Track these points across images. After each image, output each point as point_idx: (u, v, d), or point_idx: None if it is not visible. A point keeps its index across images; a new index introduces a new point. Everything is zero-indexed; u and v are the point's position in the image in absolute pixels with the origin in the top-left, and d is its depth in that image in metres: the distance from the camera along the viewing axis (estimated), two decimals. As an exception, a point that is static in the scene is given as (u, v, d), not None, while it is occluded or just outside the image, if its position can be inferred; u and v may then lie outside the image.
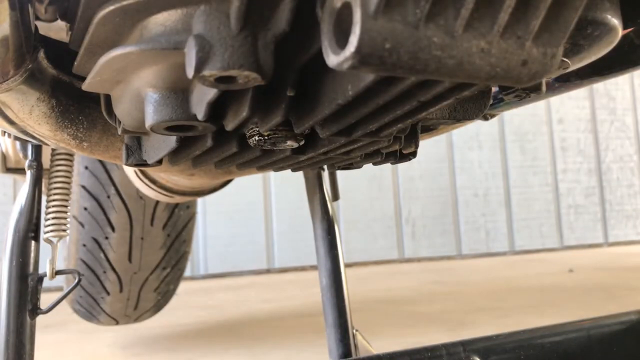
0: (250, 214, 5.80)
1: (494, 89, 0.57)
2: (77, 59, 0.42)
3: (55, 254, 0.93)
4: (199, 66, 0.31)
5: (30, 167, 0.95)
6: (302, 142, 0.49)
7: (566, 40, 0.31)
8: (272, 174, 5.41)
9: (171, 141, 0.48)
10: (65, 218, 0.97)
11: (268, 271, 5.67)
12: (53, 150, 1.02)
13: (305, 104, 0.41)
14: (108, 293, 1.90)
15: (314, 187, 1.17)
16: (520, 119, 7.05)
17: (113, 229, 1.77)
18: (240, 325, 2.52)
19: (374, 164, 0.65)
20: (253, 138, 0.46)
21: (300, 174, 1.21)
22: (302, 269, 5.29)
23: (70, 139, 0.59)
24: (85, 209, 1.75)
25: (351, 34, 0.26)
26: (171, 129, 0.43)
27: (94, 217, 1.75)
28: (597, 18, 0.40)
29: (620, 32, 0.43)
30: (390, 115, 0.41)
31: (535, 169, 7.13)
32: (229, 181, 1.22)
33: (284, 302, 3.12)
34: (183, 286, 2.95)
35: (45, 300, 0.88)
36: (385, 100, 0.38)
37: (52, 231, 0.95)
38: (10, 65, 0.46)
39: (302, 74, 0.40)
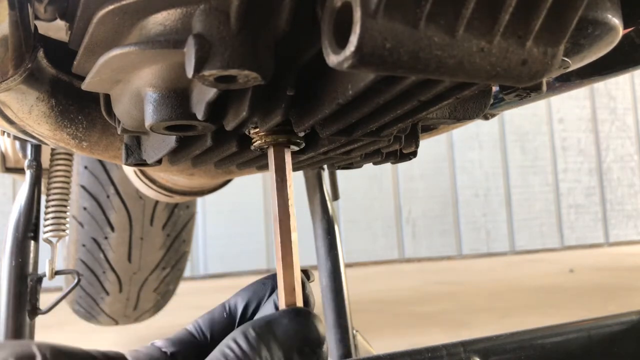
0: (250, 214, 5.80)
1: (495, 89, 0.57)
2: (77, 59, 0.42)
3: (55, 254, 0.93)
4: (199, 65, 0.31)
5: (29, 166, 0.95)
6: (302, 146, 0.49)
7: (567, 39, 0.31)
8: (272, 174, 5.40)
9: (171, 141, 0.48)
10: (64, 218, 0.97)
11: (268, 271, 5.67)
12: (52, 150, 1.02)
13: (305, 104, 0.41)
14: (107, 293, 1.90)
15: (314, 187, 1.17)
16: (520, 118, 7.06)
17: (112, 229, 1.77)
18: (240, 325, 2.51)
19: (374, 163, 0.65)
20: (255, 144, 0.46)
21: (300, 174, 1.21)
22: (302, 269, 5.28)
23: (70, 139, 0.59)
24: (85, 208, 1.75)
25: (351, 33, 0.26)
26: (171, 128, 0.43)
27: (93, 217, 1.75)
28: (597, 18, 0.40)
29: (621, 32, 0.43)
30: (391, 115, 0.41)
31: (535, 168, 7.14)
32: (228, 181, 1.22)
33: (284, 302, 3.11)
34: (182, 286, 2.95)
35: (44, 300, 0.88)
36: (385, 100, 0.37)
37: (51, 231, 0.95)
38: (9, 65, 0.45)
39: (302, 74, 0.39)
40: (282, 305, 0.42)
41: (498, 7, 0.29)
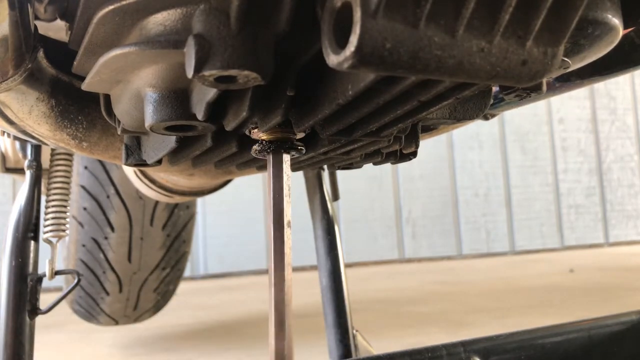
0: (250, 214, 5.79)
1: (494, 89, 0.57)
2: (77, 59, 0.42)
3: (55, 254, 0.93)
4: (199, 66, 0.31)
5: (29, 167, 0.95)
6: (303, 153, 0.49)
7: (567, 39, 0.31)
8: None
9: (171, 141, 0.48)
10: (64, 218, 0.97)
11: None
12: (52, 150, 1.02)
13: (305, 104, 0.41)
14: (107, 293, 1.90)
15: (314, 187, 1.17)
16: (520, 118, 7.05)
17: (112, 229, 1.77)
18: (240, 325, 2.52)
19: (374, 163, 0.65)
20: (255, 150, 0.46)
21: (300, 174, 1.21)
22: (302, 269, 5.29)
23: (70, 139, 0.59)
24: (85, 209, 1.75)
25: (351, 33, 0.26)
26: (171, 128, 0.43)
27: (93, 217, 1.75)
28: (597, 18, 0.40)
29: (621, 32, 0.43)
30: (391, 115, 0.41)
31: (535, 168, 7.13)
32: (228, 181, 1.22)
33: (284, 302, 3.10)
34: (182, 286, 2.95)
35: (44, 300, 0.88)
36: (385, 100, 0.37)
37: (51, 231, 0.95)
38: (9, 65, 0.45)
39: (302, 74, 0.39)
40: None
41: (498, 7, 0.29)
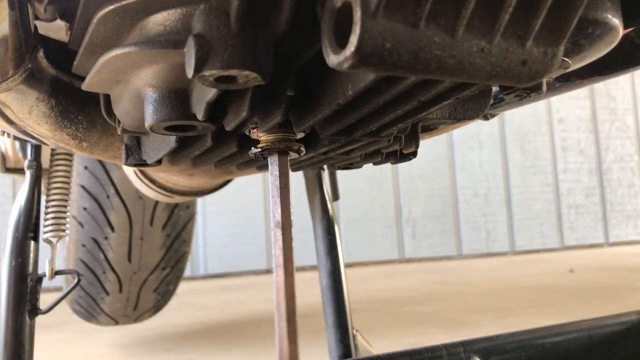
0: (250, 214, 5.80)
1: (495, 89, 0.57)
2: (77, 59, 0.42)
3: (55, 254, 0.93)
4: (199, 66, 0.31)
5: (29, 167, 0.95)
6: (302, 154, 0.49)
7: (567, 39, 0.31)
8: (272, 174, 5.39)
9: (171, 141, 0.48)
10: (64, 218, 0.97)
11: (268, 271, 5.66)
12: (52, 150, 1.02)
13: (305, 104, 0.41)
14: (107, 293, 1.90)
15: (314, 187, 1.17)
16: (520, 118, 7.05)
17: (112, 229, 1.77)
18: (240, 325, 2.52)
19: (374, 163, 0.65)
20: (255, 151, 0.47)
21: (300, 174, 1.21)
22: (302, 269, 5.29)
23: (70, 139, 0.59)
24: (85, 209, 1.75)
25: (351, 33, 0.26)
26: (171, 128, 0.43)
27: (93, 217, 1.75)
28: (597, 18, 0.40)
29: (621, 32, 0.43)
30: (391, 115, 0.41)
31: (535, 168, 7.13)
32: (228, 181, 1.22)
33: (284, 302, 3.10)
34: (182, 286, 2.95)
35: (44, 300, 0.88)
36: (385, 100, 0.37)
37: (51, 231, 0.95)
38: (9, 65, 0.45)
39: (302, 74, 0.39)
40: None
41: (498, 7, 0.29)
